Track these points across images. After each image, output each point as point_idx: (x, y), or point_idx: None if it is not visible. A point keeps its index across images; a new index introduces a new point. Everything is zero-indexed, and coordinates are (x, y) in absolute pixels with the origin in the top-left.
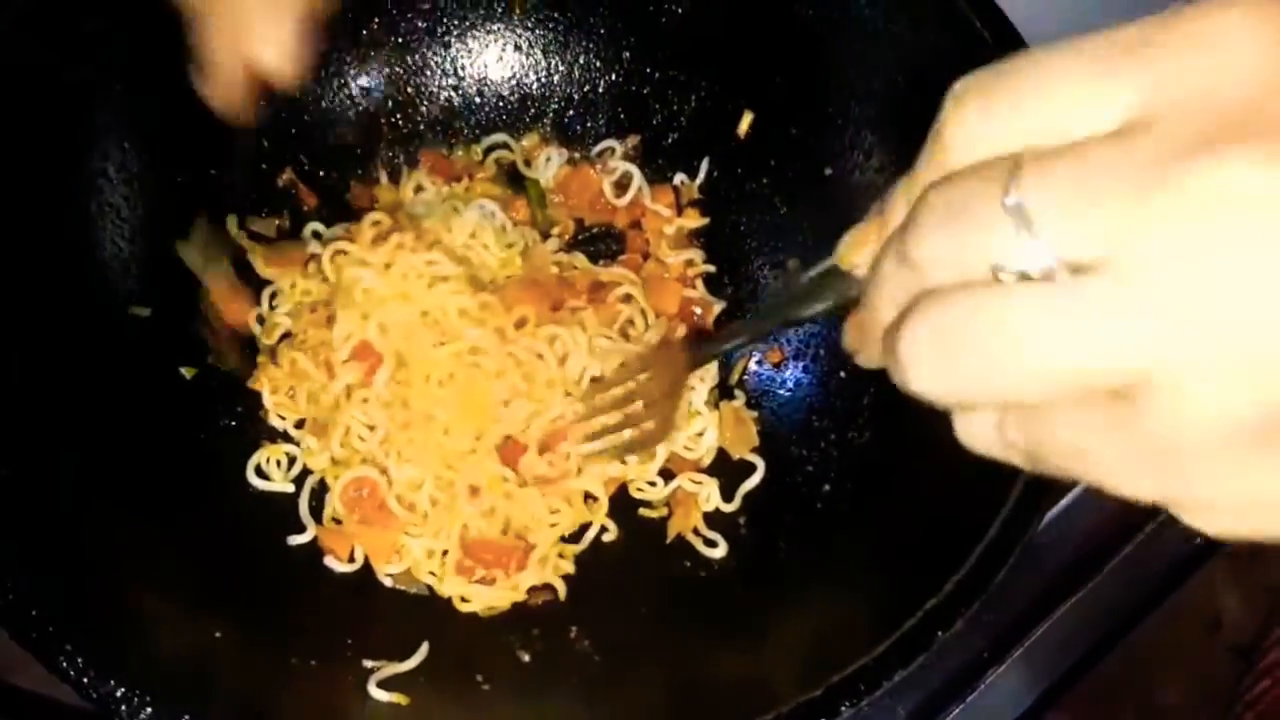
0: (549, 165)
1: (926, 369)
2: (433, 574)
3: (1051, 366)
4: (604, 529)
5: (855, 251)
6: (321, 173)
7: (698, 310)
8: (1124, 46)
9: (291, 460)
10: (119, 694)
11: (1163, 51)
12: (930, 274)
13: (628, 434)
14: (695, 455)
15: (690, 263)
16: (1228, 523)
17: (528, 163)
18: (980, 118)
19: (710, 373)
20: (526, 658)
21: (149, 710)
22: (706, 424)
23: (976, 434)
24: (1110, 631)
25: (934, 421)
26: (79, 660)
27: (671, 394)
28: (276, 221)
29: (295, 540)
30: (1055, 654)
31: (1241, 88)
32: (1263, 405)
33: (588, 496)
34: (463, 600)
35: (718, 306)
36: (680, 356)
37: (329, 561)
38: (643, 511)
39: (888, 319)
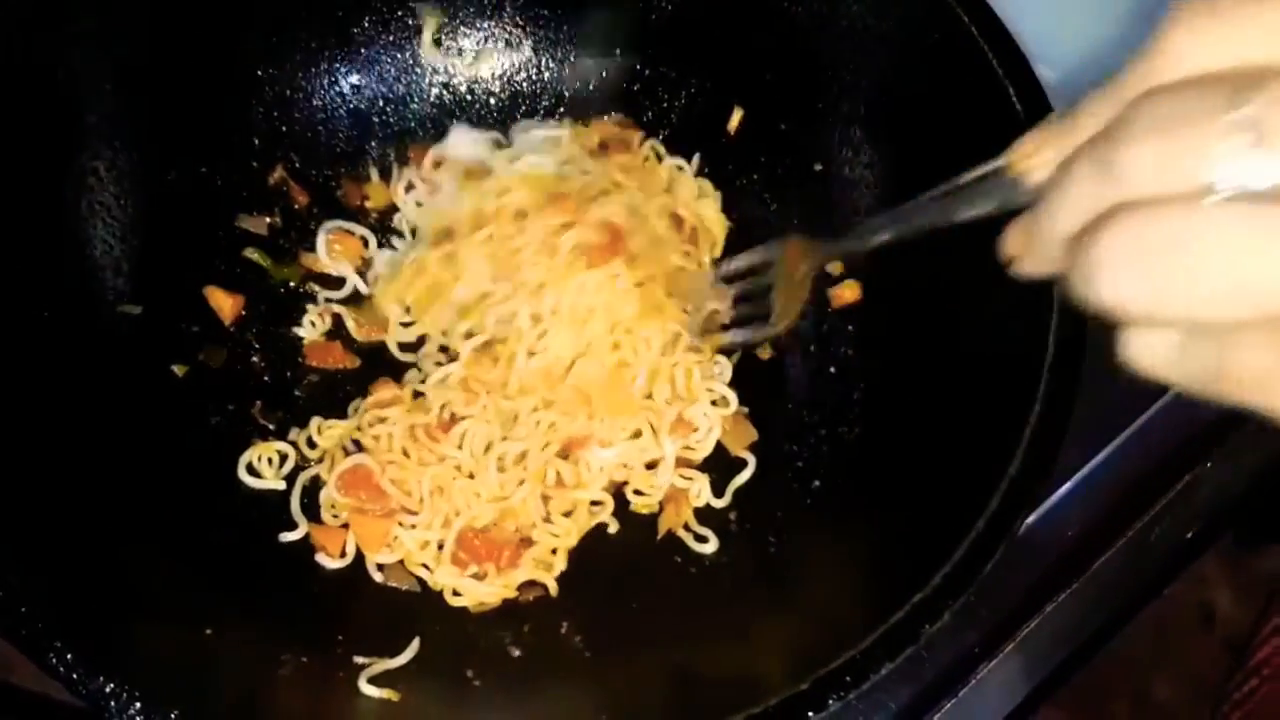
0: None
1: (1124, 279)
2: (425, 566)
3: (1263, 287)
4: (604, 523)
5: (1031, 156)
6: (313, 171)
7: None
8: None
9: (283, 458)
10: (108, 690)
11: None
12: (1134, 184)
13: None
14: (697, 455)
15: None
16: None
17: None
18: (1210, 25)
19: (727, 367)
20: (517, 653)
21: (138, 706)
22: (711, 423)
23: (1153, 353)
24: (1103, 626)
25: (923, 418)
26: (68, 657)
27: (801, 284)
28: (268, 219)
29: (286, 537)
30: (1048, 648)
31: None
32: None
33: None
34: (455, 594)
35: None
36: (812, 247)
37: (320, 559)
38: (635, 506)
39: (1071, 228)
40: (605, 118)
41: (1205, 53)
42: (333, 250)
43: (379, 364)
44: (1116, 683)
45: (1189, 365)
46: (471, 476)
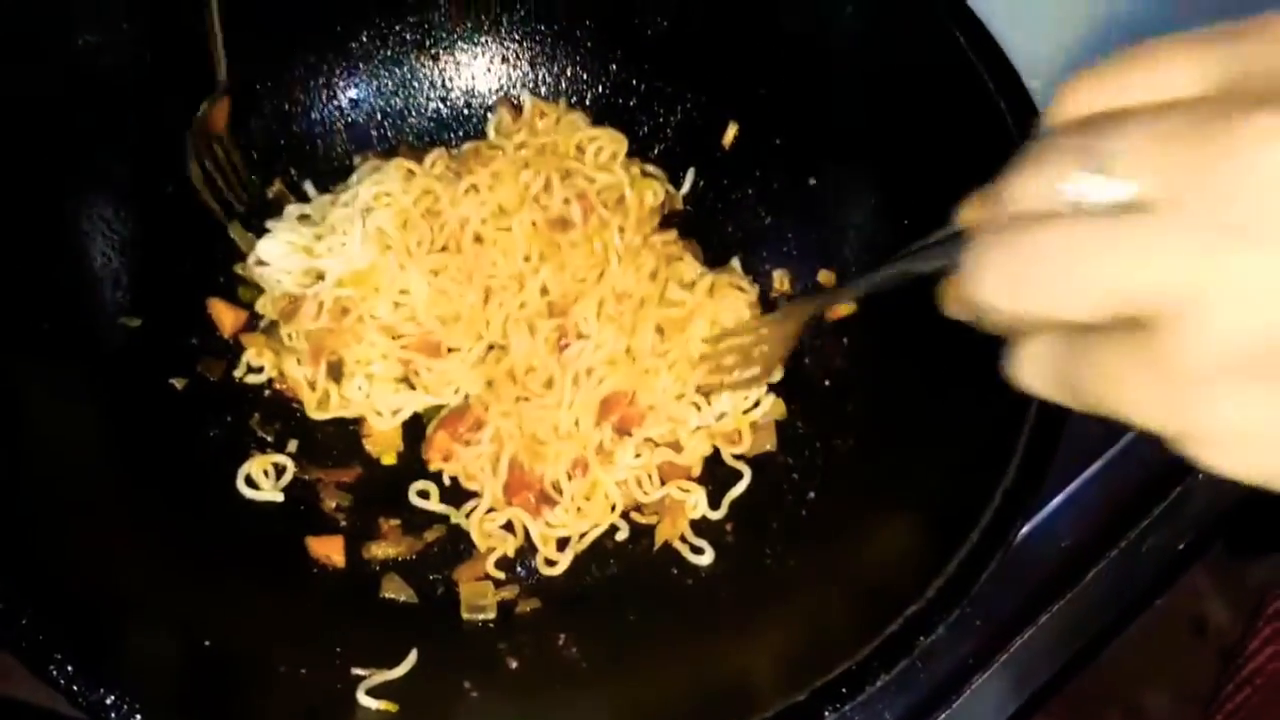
0: None
1: (993, 277)
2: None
3: (1103, 282)
4: (615, 528)
5: (974, 212)
6: (310, 184)
7: None
8: (1220, 33)
9: (280, 470)
10: (109, 701)
11: (1250, 38)
12: (1014, 207)
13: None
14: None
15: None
16: (1223, 456)
17: None
18: (1091, 85)
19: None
20: (515, 664)
21: (138, 718)
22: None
23: (1028, 364)
24: (1096, 637)
25: (917, 430)
26: (68, 668)
27: (784, 342)
28: (254, 239)
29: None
30: (1042, 659)
31: None
32: (1265, 337)
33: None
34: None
35: None
36: (798, 310)
37: (318, 568)
38: (634, 516)
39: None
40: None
41: (1090, 106)
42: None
43: None
44: (1109, 693)
45: (1057, 375)
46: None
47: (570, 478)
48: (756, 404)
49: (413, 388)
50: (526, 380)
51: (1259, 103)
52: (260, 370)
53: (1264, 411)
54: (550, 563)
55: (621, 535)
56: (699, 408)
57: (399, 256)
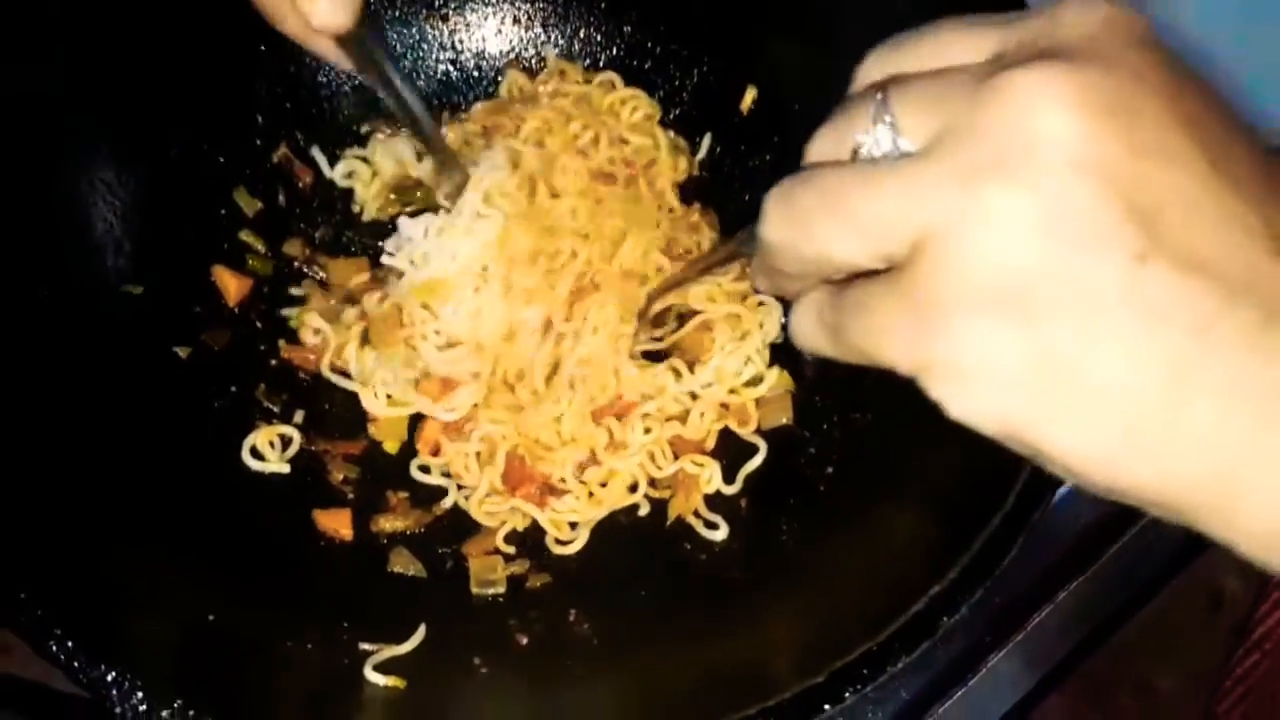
0: None
1: (774, 215)
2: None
3: (865, 217)
4: (636, 505)
5: None
6: (317, 149)
7: None
8: (1005, 16)
9: (286, 441)
10: (110, 678)
11: (1027, 21)
12: (814, 159)
13: None
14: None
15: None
16: (957, 393)
17: None
18: (888, 54)
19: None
20: (525, 640)
21: (140, 695)
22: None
23: (801, 318)
24: (1114, 614)
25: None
26: (69, 644)
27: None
28: (258, 205)
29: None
30: (1059, 636)
31: (1067, 38)
32: (1005, 270)
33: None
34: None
35: None
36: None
37: (325, 541)
38: (648, 491)
39: None
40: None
41: (883, 73)
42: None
43: None
44: (1123, 670)
45: (824, 324)
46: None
47: (583, 469)
48: (760, 380)
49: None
50: (519, 388)
51: (1021, 64)
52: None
53: (1001, 348)
54: (562, 542)
55: (644, 511)
56: (678, 374)
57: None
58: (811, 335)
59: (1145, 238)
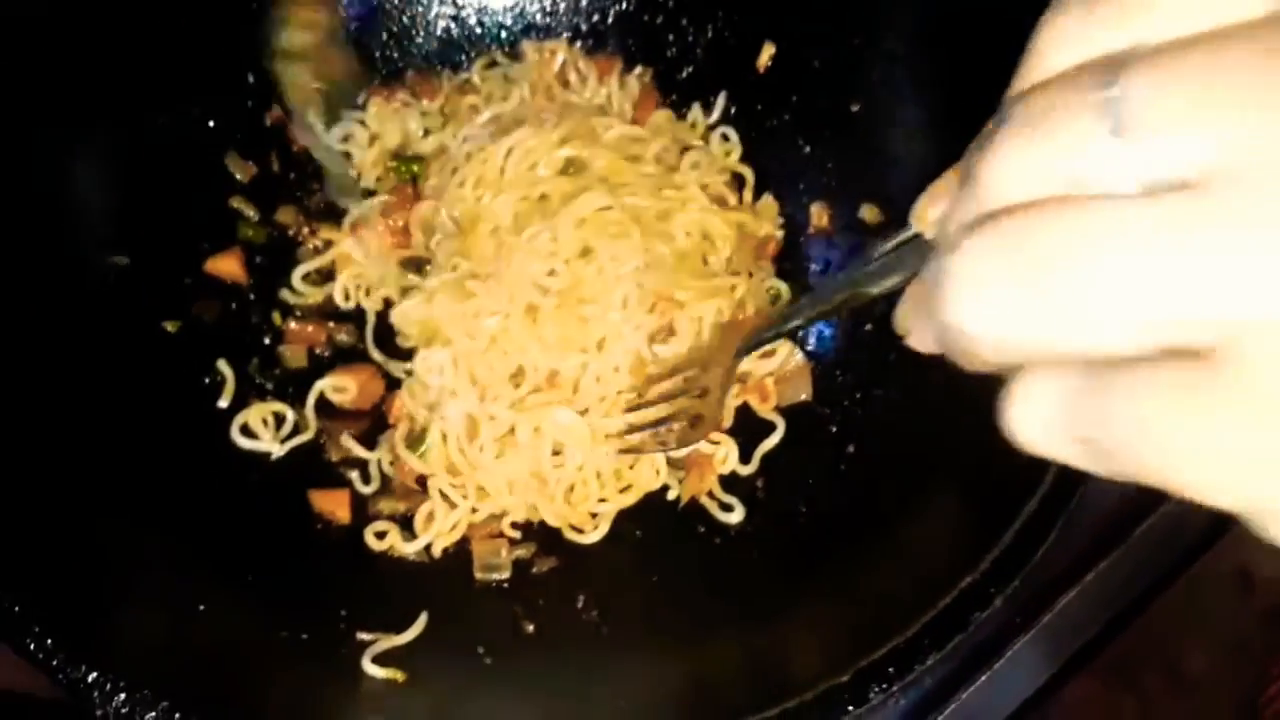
0: None
1: (976, 297)
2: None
3: (1144, 299)
4: (667, 486)
5: (932, 207)
6: (312, 113)
7: None
8: None
9: (280, 419)
10: (90, 679)
11: None
12: (1000, 195)
13: (676, 427)
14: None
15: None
16: None
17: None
18: (1082, 16)
19: None
20: (530, 628)
21: (122, 696)
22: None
23: (1031, 411)
24: (1141, 595)
25: (964, 381)
26: (48, 642)
27: (722, 385)
28: (252, 169)
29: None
30: (1086, 618)
31: None
32: None
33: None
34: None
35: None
36: (731, 344)
37: (321, 524)
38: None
39: None
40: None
41: (1088, 44)
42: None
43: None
44: (1151, 651)
45: (1073, 426)
46: None
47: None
48: (772, 353)
49: None
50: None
51: None
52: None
53: None
54: (578, 530)
55: (673, 495)
56: None
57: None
58: (1047, 439)
59: None
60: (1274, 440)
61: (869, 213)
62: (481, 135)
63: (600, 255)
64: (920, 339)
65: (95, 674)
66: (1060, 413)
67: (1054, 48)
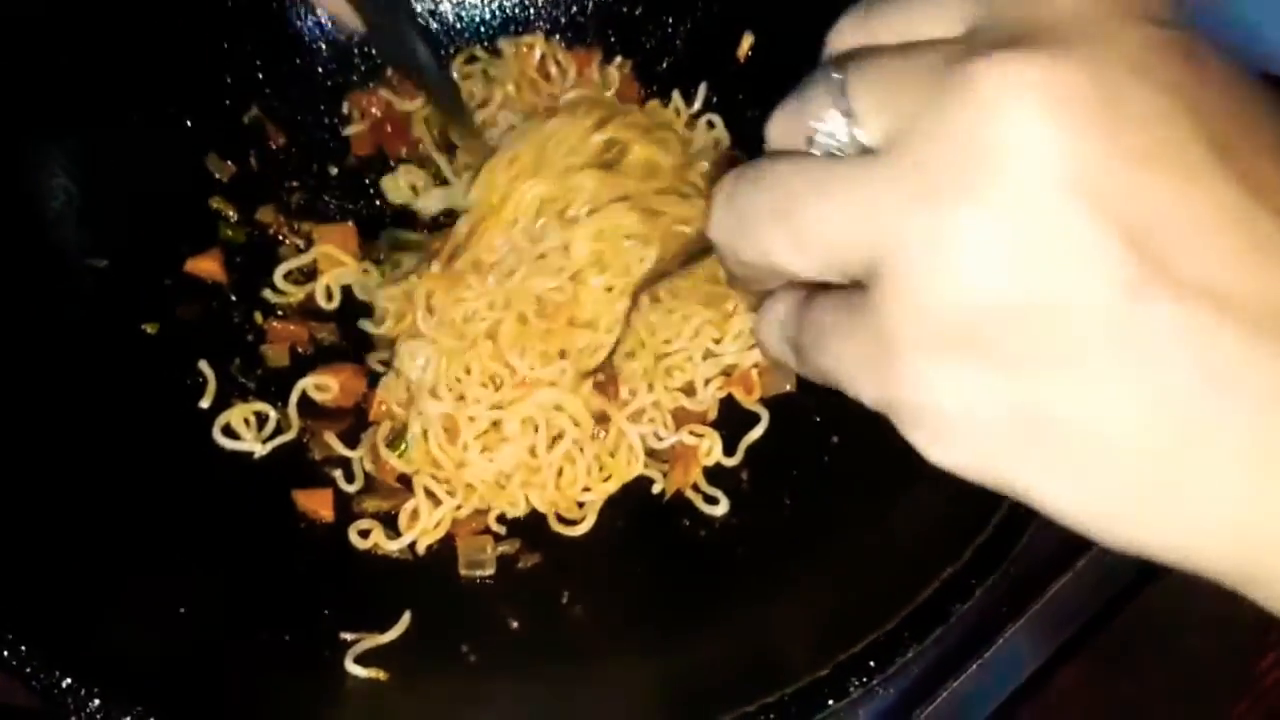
0: None
1: (723, 213)
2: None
3: (818, 229)
4: (651, 480)
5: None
6: (290, 109)
7: None
8: None
9: (262, 419)
10: (65, 685)
11: None
12: (770, 142)
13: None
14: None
15: None
16: (932, 441)
17: None
18: (860, 19)
19: None
20: (515, 625)
21: (97, 703)
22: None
23: (764, 324)
24: (1133, 581)
25: None
26: (22, 649)
27: None
28: (232, 169)
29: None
30: (1076, 606)
31: (1052, 14)
32: (966, 308)
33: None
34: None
35: None
36: None
37: (304, 523)
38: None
39: None
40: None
41: (854, 38)
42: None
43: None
44: (1145, 632)
45: (787, 336)
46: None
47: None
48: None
49: None
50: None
51: (991, 49)
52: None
53: (975, 395)
54: (567, 521)
55: (658, 488)
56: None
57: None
58: (774, 345)
59: (1139, 265)
60: (886, 354)
61: None
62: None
63: (610, 270)
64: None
65: (70, 679)
66: (782, 321)
67: (835, 39)
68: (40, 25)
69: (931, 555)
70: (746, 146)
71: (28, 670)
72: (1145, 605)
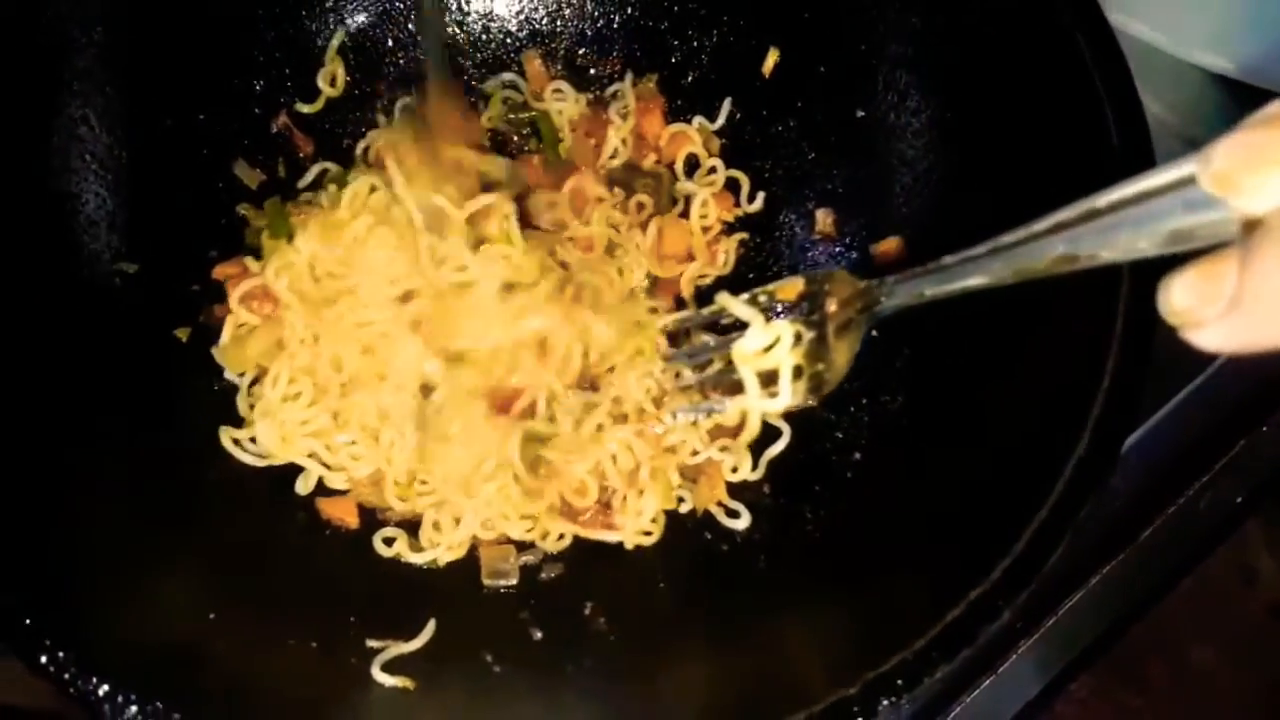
0: (562, 100)
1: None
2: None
3: None
4: (681, 499)
5: (1249, 169)
6: (318, 117)
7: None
8: None
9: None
10: (102, 692)
11: None
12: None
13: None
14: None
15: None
16: None
17: (538, 98)
18: None
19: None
20: (538, 635)
21: (134, 710)
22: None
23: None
24: (1144, 597)
25: (974, 388)
26: (59, 655)
27: (852, 329)
28: (260, 176)
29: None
30: (1088, 623)
31: None
32: None
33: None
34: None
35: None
36: (855, 291)
37: (330, 530)
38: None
39: None
40: None
41: None
42: None
43: None
44: (1154, 645)
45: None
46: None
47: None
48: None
49: None
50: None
51: None
52: None
53: None
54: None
55: (686, 507)
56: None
57: None
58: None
59: None
60: None
61: (888, 245)
62: None
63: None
64: (1220, 338)
65: (107, 686)
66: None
67: None
68: (77, 38)
69: (957, 575)
70: (768, 161)
71: (66, 676)
72: (1155, 621)
